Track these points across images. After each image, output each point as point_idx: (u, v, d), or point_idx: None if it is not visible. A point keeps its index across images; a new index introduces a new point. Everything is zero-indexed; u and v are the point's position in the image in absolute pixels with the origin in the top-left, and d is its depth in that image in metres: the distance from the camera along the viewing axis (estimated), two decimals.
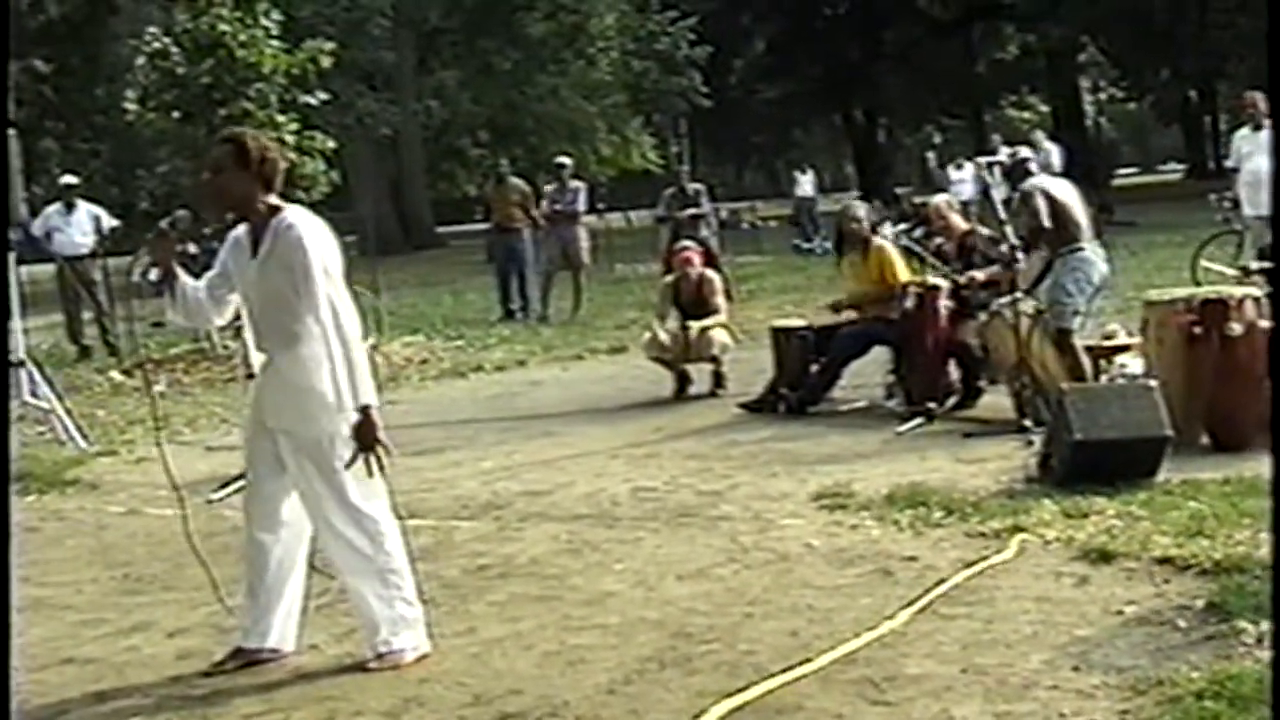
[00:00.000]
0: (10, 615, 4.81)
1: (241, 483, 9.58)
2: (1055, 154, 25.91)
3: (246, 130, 6.21)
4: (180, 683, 5.93)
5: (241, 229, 6.01)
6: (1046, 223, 10.16)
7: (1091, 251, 10.37)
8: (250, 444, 6.14)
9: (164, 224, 6.22)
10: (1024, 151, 11.68)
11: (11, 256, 14.62)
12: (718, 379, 12.70)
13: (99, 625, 6.87)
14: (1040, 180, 10.80)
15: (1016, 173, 10.98)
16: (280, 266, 5.79)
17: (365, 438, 5.76)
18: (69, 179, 20.74)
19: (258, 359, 6.19)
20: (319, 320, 5.74)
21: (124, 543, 8.64)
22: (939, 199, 12.59)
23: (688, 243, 14.75)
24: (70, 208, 19.62)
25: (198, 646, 6.39)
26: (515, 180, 22.50)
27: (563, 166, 22.40)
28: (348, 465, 5.79)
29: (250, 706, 5.56)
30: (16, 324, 13.30)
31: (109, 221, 19.81)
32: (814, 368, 11.54)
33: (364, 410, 5.75)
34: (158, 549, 8.39)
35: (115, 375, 16.58)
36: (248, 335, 6.18)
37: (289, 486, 6.02)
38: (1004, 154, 12.00)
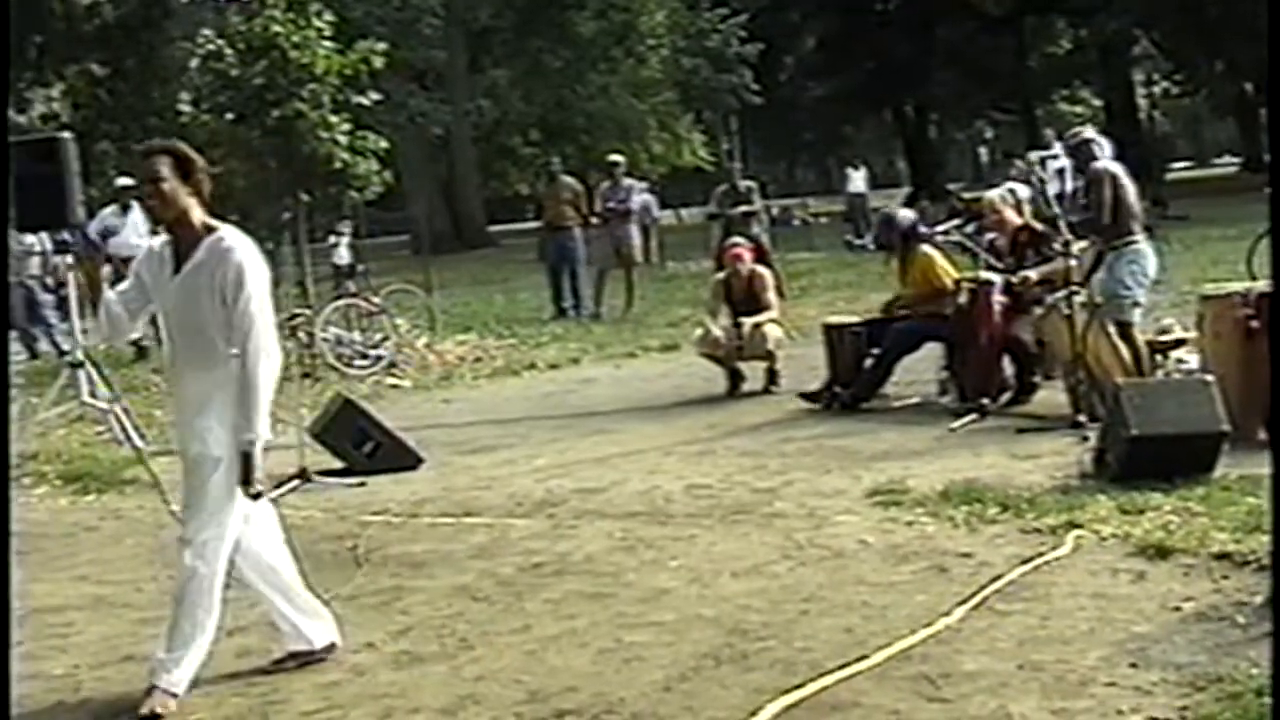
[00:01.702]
0: (10, 615, 4.83)
1: (298, 482, 9.73)
2: (1105, 148, 25.74)
3: (180, 143, 5.98)
4: (239, 680, 5.97)
5: (159, 241, 5.86)
6: (1106, 217, 10.12)
7: (1145, 245, 10.34)
8: (181, 454, 6.03)
9: (94, 232, 6.21)
10: (1087, 131, 11.53)
11: (68, 259, 14.77)
12: (771, 375, 12.68)
13: (158, 623, 6.84)
14: (1109, 164, 10.65)
15: (1083, 153, 10.89)
16: (209, 286, 5.66)
17: (247, 472, 5.68)
18: (124, 181, 20.82)
19: (171, 376, 6.07)
20: (241, 345, 5.66)
21: None
22: (993, 194, 12.53)
23: (739, 239, 14.72)
24: (126, 209, 19.71)
25: (256, 644, 6.42)
26: (567, 179, 22.50)
27: (615, 165, 22.42)
28: (254, 497, 5.80)
29: (308, 704, 5.59)
30: (75, 324, 13.39)
31: None
32: (867, 364, 11.52)
33: (249, 444, 5.67)
34: None
35: None
36: (166, 352, 5.97)
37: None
38: (1056, 149, 11.93)
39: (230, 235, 5.76)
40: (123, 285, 5.99)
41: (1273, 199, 9.46)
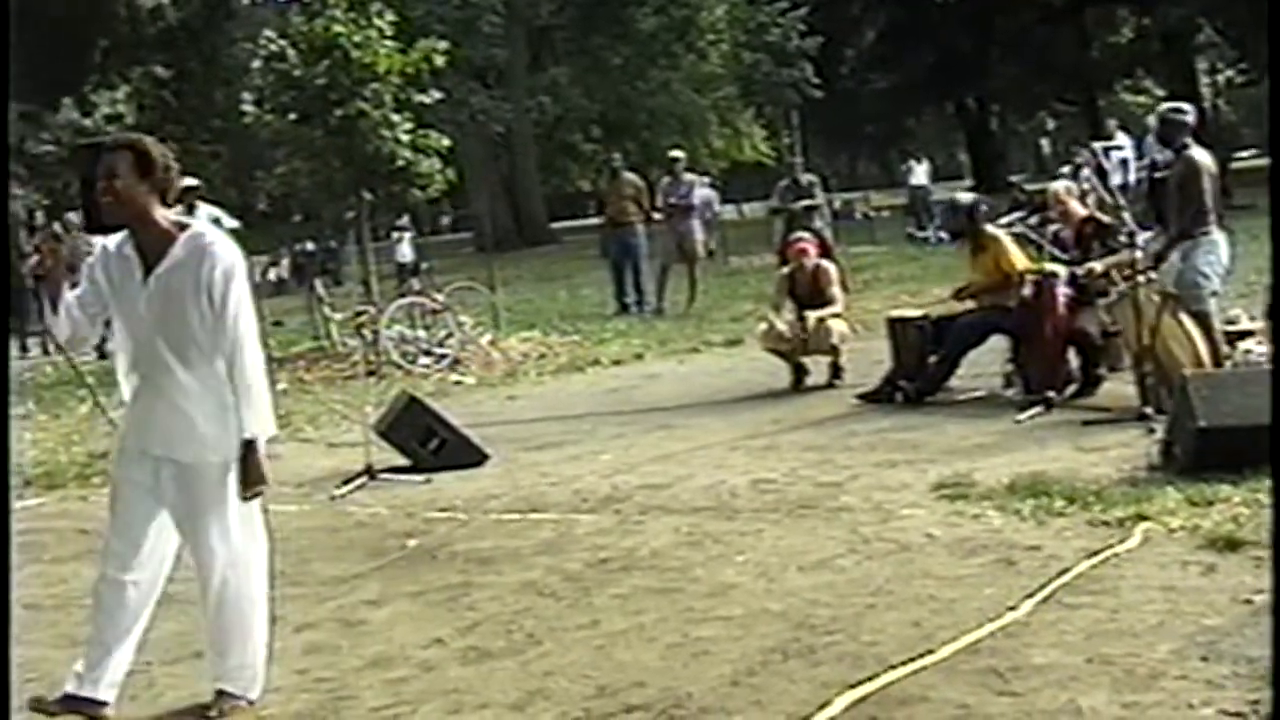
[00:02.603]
0: (10, 615, 4.87)
1: (364, 479, 9.79)
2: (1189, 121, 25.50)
3: (145, 137, 5.62)
4: (308, 675, 6.00)
5: (116, 241, 5.53)
6: (1209, 202, 10.04)
7: (1219, 235, 10.26)
8: (122, 474, 5.69)
9: (55, 228, 5.97)
10: (1184, 111, 11.33)
11: None
12: (835, 370, 12.66)
13: None
14: (1200, 153, 10.50)
15: (1172, 128, 10.67)
16: (193, 284, 5.40)
17: (249, 473, 5.50)
18: (189, 181, 20.96)
19: (129, 383, 5.67)
20: (228, 344, 5.44)
21: None
22: (1058, 185, 12.46)
23: (802, 234, 14.68)
24: (191, 209, 19.81)
25: (325, 641, 6.48)
26: (629, 175, 22.51)
27: (676, 160, 22.42)
28: (244, 499, 5.56)
29: (377, 700, 5.62)
30: None
31: (229, 222, 20.00)
32: (931, 358, 11.48)
33: (250, 444, 5.49)
34: (284, 544, 8.44)
35: None
36: (122, 359, 5.66)
37: (158, 522, 5.63)
38: (1120, 139, 11.82)
39: (209, 231, 5.54)
40: (78, 289, 5.66)
41: (1273, 198, 9.40)
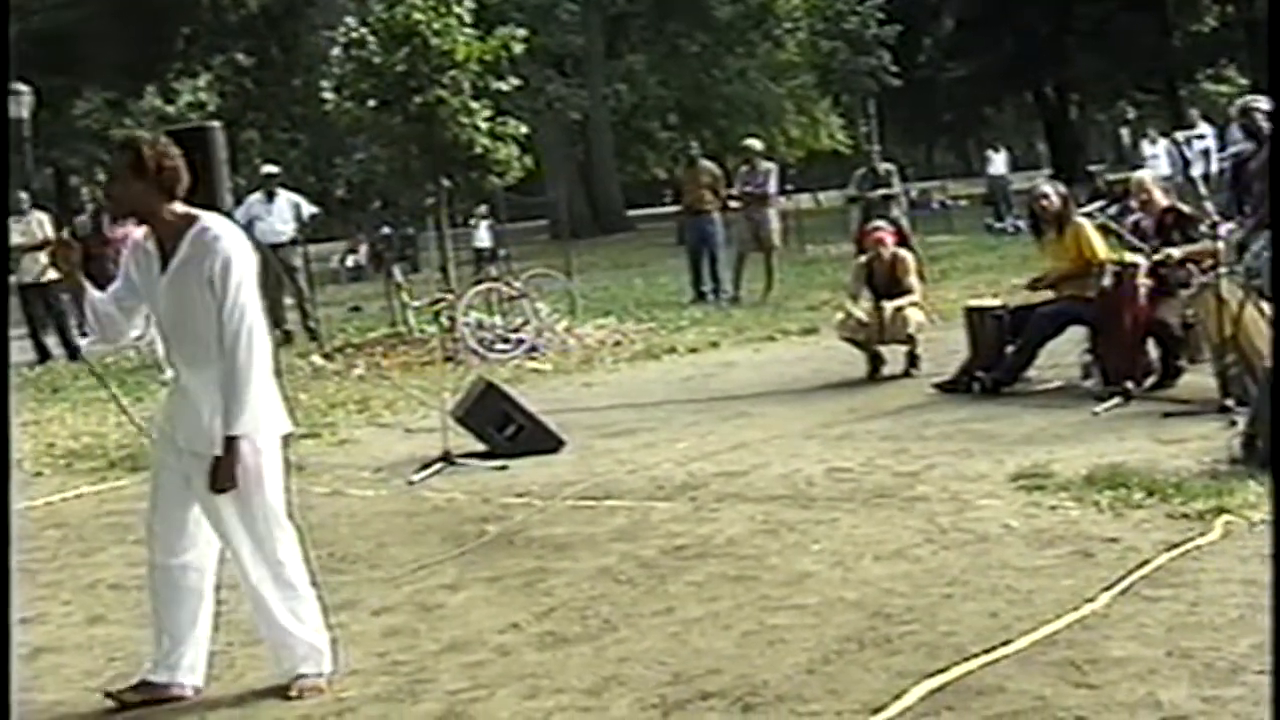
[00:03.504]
0: (10, 615, 4.91)
1: (441, 464, 9.85)
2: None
3: (144, 136, 5.68)
4: (386, 659, 6.04)
5: (141, 234, 5.64)
6: None
7: None
8: (159, 460, 5.84)
9: (64, 232, 6.00)
10: (1261, 102, 11.22)
11: None
12: (912, 359, 12.61)
13: None
14: None
15: (1254, 118, 10.54)
16: (197, 278, 5.44)
17: (219, 471, 5.48)
18: (269, 168, 21.21)
19: (169, 373, 5.88)
20: (227, 337, 5.43)
21: (329, 522, 8.81)
22: (1142, 174, 12.36)
23: (879, 223, 14.63)
24: (271, 196, 20.06)
25: (403, 624, 6.52)
26: (706, 162, 22.49)
27: (752, 149, 22.38)
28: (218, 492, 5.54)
29: (454, 683, 5.66)
30: None
31: (308, 209, 20.24)
32: (1009, 348, 11.42)
33: (231, 441, 5.47)
34: (361, 529, 8.57)
35: (316, 359, 16.91)
36: (160, 347, 5.77)
37: (195, 508, 5.69)
38: (1202, 128, 11.70)
39: (215, 224, 5.50)
40: (115, 284, 5.74)
41: (1273, 197, 9.30)
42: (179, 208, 5.54)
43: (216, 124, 13.70)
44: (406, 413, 12.76)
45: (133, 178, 5.47)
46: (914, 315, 12.58)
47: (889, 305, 12.55)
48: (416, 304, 17.92)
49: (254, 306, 5.51)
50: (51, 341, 20.75)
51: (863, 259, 13.36)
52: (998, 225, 32.43)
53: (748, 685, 5.31)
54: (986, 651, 5.39)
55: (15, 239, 20.77)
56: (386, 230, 36.56)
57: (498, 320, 17.08)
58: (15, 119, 28.59)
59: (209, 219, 5.52)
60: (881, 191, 20.67)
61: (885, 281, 12.86)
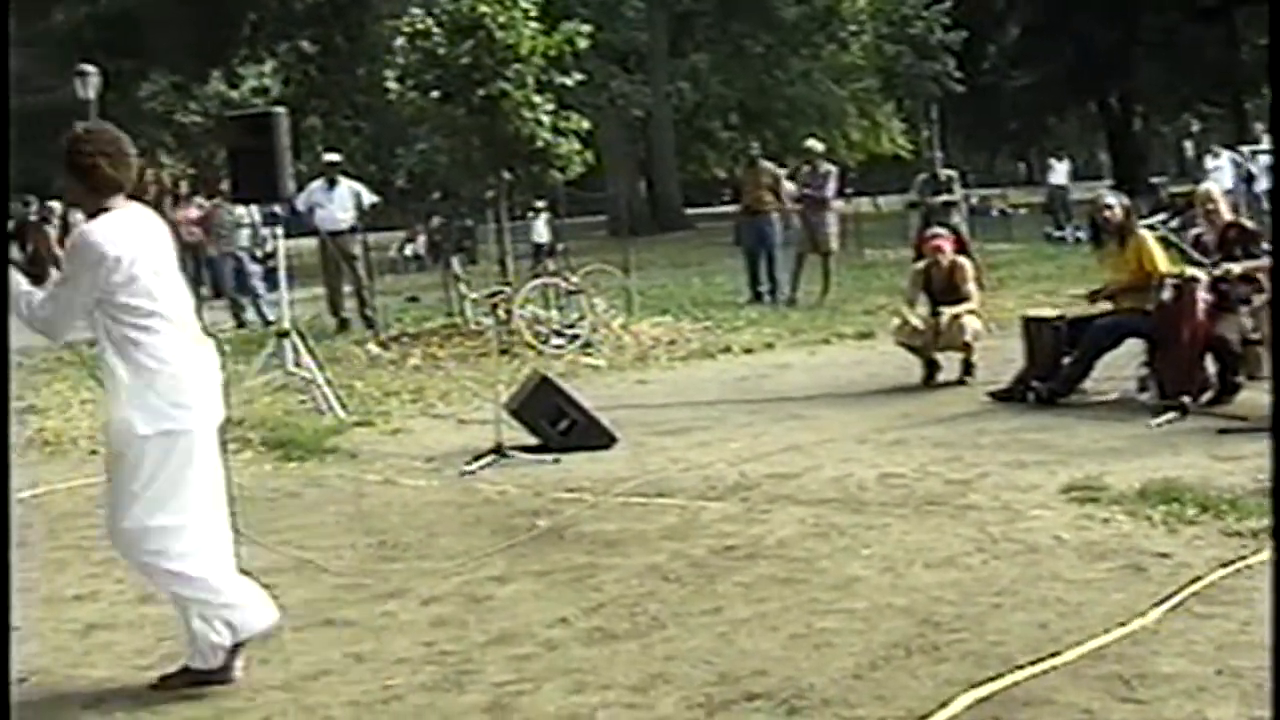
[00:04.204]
0: (10, 614, 4.95)
1: (494, 456, 9.88)
2: None
3: (77, 131, 5.76)
4: (433, 648, 6.07)
5: (194, 217, 5.83)
6: None
7: None
8: None
9: (33, 217, 6.02)
10: None
11: (278, 229, 15.15)
12: (967, 366, 12.57)
13: (357, 590, 7.07)
14: None
15: None
16: None
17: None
18: (331, 156, 21.31)
19: None
20: (102, 328, 5.59)
21: (380, 511, 8.86)
22: (1209, 187, 12.27)
23: (938, 229, 14.57)
24: (332, 184, 20.15)
25: (451, 615, 6.54)
26: (766, 163, 22.46)
27: (813, 151, 22.34)
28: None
29: (500, 675, 5.67)
30: (283, 295, 13.74)
31: (369, 198, 20.32)
32: (1066, 359, 11.37)
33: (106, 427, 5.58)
34: (412, 518, 8.61)
35: (372, 348, 16.98)
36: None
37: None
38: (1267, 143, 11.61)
39: (94, 223, 5.54)
40: None
41: (1274, 197, 9.20)
42: (104, 204, 5.59)
43: (281, 110, 13.80)
44: (460, 404, 12.80)
45: (69, 175, 5.62)
46: (971, 323, 12.54)
47: (946, 312, 12.52)
48: (474, 296, 17.97)
49: (68, 293, 5.56)
50: None
51: (920, 265, 13.32)
52: (1057, 235, 32.27)
53: (793, 688, 5.31)
54: (1035, 663, 5.38)
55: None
56: (438, 220, 36.67)
57: (554, 315, 17.10)
58: (82, 100, 28.88)
59: (101, 219, 5.54)
60: (942, 198, 20.59)
61: (943, 288, 12.82)
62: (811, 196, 21.35)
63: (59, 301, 5.57)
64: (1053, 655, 5.44)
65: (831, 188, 21.65)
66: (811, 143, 23.07)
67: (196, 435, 5.69)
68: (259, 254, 22.66)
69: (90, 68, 29.38)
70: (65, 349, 18.95)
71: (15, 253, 6.02)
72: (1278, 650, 4.21)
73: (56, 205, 21.25)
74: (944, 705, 5.05)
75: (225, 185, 19.91)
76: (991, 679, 5.24)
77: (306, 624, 6.48)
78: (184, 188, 28.89)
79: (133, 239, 5.56)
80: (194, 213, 25.64)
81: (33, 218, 23.05)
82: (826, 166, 21.92)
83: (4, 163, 6.15)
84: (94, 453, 11.31)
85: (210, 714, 5.46)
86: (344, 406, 12.41)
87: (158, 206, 27.04)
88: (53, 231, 6.37)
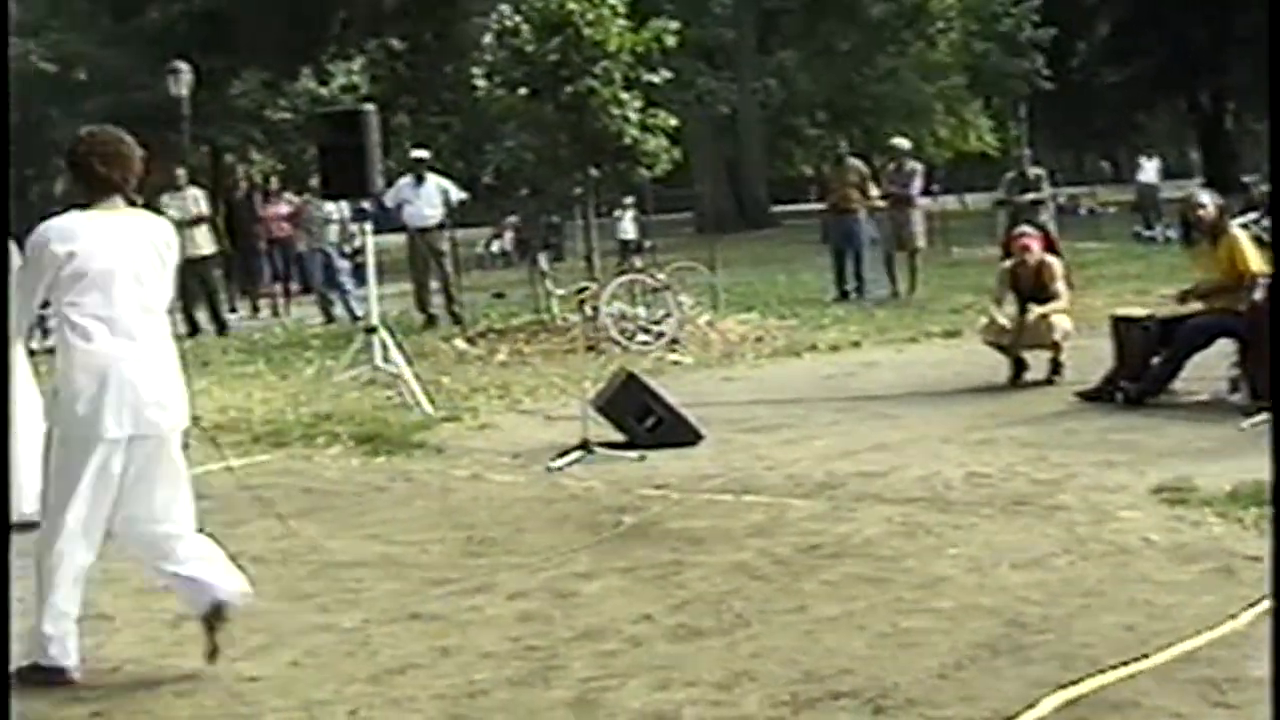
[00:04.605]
0: (9, 614, 4.98)
1: (580, 452, 9.91)
2: None
3: (83, 137, 5.97)
4: (520, 643, 6.09)
5: (284, 212, 6.03)
6: None
7: None
8: None
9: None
10: None
11: (367, 225, 15.27)
12: (1055, 366, 12.48)
13: (444, 584, 7.11)
14: None
15: None
16: None
17: None
18: (419, 153, 21.43)
19: None
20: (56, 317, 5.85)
21: (467, 506, 8.91)
22: None
23: (1026, 228, 14.46)
24: (420, 181, 20.28)
25: (537, 610, 6.58)
26: (854, 161, 22.39)
27: (899, 148, 22.25)
28: None
29: (586, 671, 5.70)
30: (372, 291, 13.85)
31: (457, 194, 20.43)
32: (1156, 359, 11.27)
33: None
34: (500, 513, 8.65)
35: (459, 344, 17.06)
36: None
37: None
38: None
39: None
40: None
41: (1274, 196, 9.04)
42: (96, 201, 5.79)
43: (370, 107, 13.90)
44: (547, 400, 12.85)
45: (68, 170, 5.97)
46: (1059, 322, 12.45)
47: (1035, 311, 12.44)
48: (560, 292, 18.02)
49: (17, 288, 5.80)
50: (202, 316, 21.14)
51: (1008, 264, 13.24)
52: (1147, 233, 31.96)
53: (879, 687, 5.30)
54: (1123, 665, 5.34)
55: (171, 214, 21.19)
56: (514, 216, 36.77)
57: (640, 311, 17.13)
58: (175, 97, 29.17)
59: (65, 215, 5.79)
60: (1030, 196, 20.45)
61: (1030, 287, 12.73)
62: (897, 194, 21.28)
63: (16, 290, 5.80)
64: (1142, 657, 5.40)
65: (917, 185, 21.59)
66: (897, 140, 22.97)
67: (93, 442, 5.72)
68: (347, 250, 22.86)
69: (183, 65, 29.62)
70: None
71: None
72: (1277, 654, 4.17)
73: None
74: (1030, 707, 5.02)
75: (315, 181, 20.08)
76: (1079, 681, 5.21)
77: (393, 618, 6.53)
78: (274, 184, 29.14)
79: (89, 238, 5.68)
80: (284, 209, 25.91)
81: None
82: (912, 164, 21.84)
83: (4, 163, 6.32)
84: (185, 446, 11.43)
85: (298, 705, 5.51)
86: (431, 402, 12.48)
87: (248, 201, 27.33)
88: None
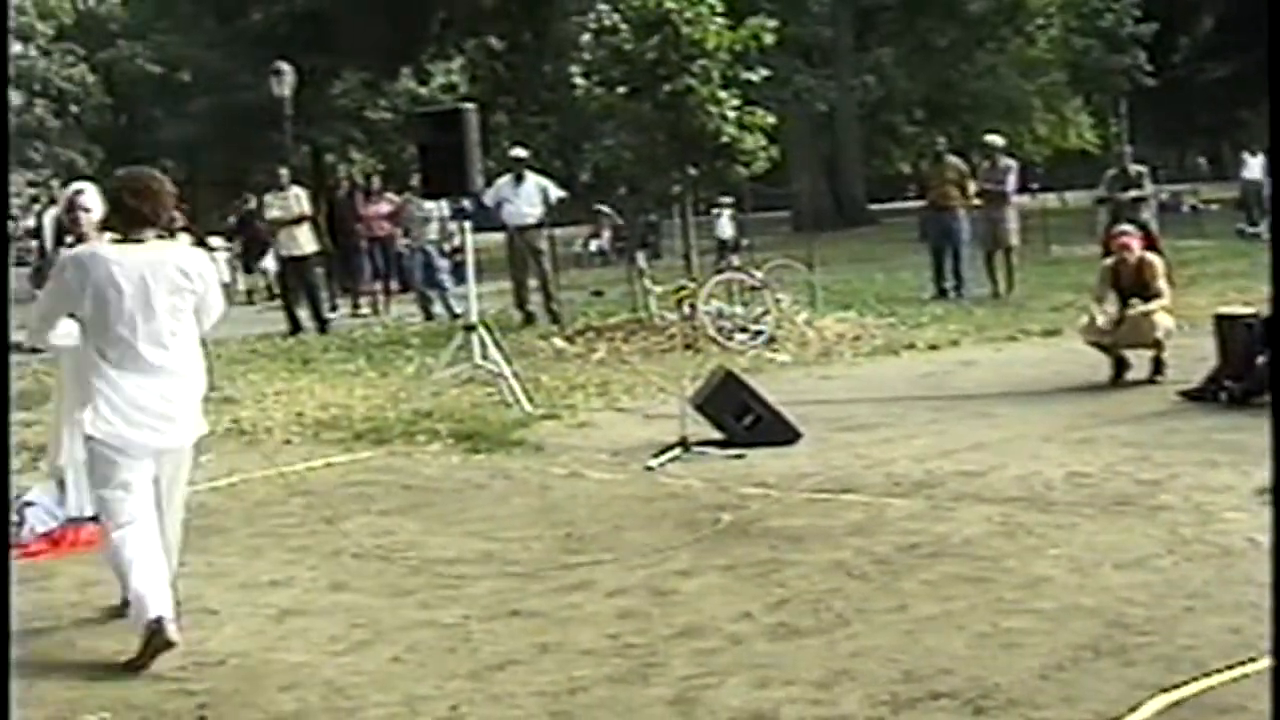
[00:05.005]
0: (10, 614, 5.01)
1: (679, 451, 9.92)
2: None
3: (120, 176, 6.71)
4: (619, 640, 6.12)
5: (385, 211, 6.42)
6: None
7: None
8: None
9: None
10: None
11: (466, 224, 15.36)
12: (1157, 365, 12.36)
13: (543, 580, 7.15)
14: None
15: None
16: None
17: None
18: (518, 152, 21.52)
19: None
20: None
21: (566, 503, 8.95)
22: None
23: (1127, 226, 14.31)
24: (519, 180, 20.38)
25: (637, 607, 6.59)
26: (952, 158, 22.28)
27: (992, 145, 22.09)
28: None
29: (685, 669, 5.71)
30: (471, 289, 13.93)
31: (556, 193, 20.51)
32: (1260, 358, 11.14)
33: None
34: (598, 511, 8.68)
35: (557, 342, 17.12)
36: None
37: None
38: None
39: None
40: None
41: (1274, 197, 8.83)
42: (130, 233, 6.34)
43: (470, 106, 13.98)
44: (645, 398, 12.87)
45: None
46: (1162, 320, 12.33)
47: (1137, 309, 12.32)
48: (658, 290, 18.05)
49: (40, 305, 6.69)
50: (303, 314, 21.35)
51: (1108, 262, 13.12)
52: (1250, 231, 31.52)
53: (979, 687, 5.28)
54: (1228, 668, 5.28)
55: (274, 213, 21.45)
56: (608, 206, 36.79)
57: (738, 310, 17.13)
58: (278, 97, 29.49)
59: (88, 243, 6.91)
60: (1132, 193, 20.23)
61: (1132, 285, 12.61)
62: (991, 191, 21.14)
63: (37, 306, 6.67)
64: (1248, 660, 5.32)
65: (1011, 182, 21.43)
66: (991, 137, 22.77)
67: (117, 452, 6.28)
68: (447, 248, 23.01)
69: (285, 65, 29.95)
70: (259, 341, 19.41)
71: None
72: (1277, 649, 4.12)
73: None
74: (1134, 709, 4.99)
75: (415, 180, 20.20)
76: (1183, 684, 5.16)
77: (493, 614, 6.57)
78: (375, 183, 29.37)
79: (110, 266, 6.20)
80: (384, 208, 26.10)
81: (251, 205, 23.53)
82: (1006, 161, 21.68)
83: (4, 163, 6.72)
84: (288, 442, 11.58)
85: (399, 700, 5.56)
86: (530, 400, 12.54)
87: (349, 200, 27.58)
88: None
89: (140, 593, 6.09)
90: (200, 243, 29.47)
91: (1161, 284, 12.68)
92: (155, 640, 5.97)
